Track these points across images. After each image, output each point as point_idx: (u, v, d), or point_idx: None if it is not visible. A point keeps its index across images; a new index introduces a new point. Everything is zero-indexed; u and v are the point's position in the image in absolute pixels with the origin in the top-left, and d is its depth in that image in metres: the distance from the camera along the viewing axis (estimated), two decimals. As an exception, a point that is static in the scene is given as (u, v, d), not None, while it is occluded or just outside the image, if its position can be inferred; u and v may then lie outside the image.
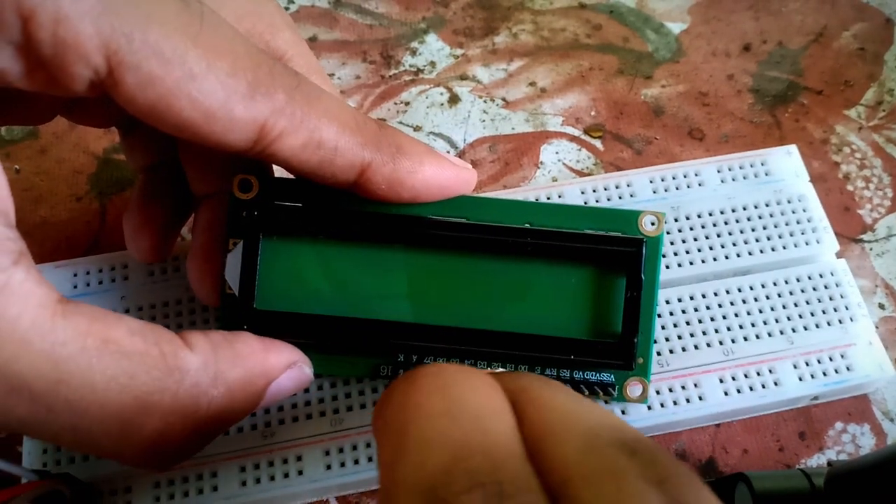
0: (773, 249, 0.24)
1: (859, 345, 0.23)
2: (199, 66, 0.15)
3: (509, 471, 0.12)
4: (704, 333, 0.23)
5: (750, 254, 0.24)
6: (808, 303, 0.23)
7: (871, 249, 0.26)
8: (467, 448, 0.12)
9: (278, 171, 0.20)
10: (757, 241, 0.24)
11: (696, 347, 0.22)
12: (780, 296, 0.23)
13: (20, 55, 0.14)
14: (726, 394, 0.22)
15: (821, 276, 0.23)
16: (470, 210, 0.20)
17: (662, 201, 0.24)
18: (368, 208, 0.19)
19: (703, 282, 0.23)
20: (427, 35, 0.30)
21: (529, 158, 0.28)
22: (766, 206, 0.24)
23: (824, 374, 0.22)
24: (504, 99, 0.29)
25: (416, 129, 0.28)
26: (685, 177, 0.25)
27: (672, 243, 0.24)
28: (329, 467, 0.21)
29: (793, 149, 0.26)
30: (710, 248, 0.24)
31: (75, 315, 0.15)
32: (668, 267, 0.23)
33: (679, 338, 0.23)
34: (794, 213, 0.24)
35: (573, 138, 0.28)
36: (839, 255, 0.24)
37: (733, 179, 0.25)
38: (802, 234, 0.24)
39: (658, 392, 0.22)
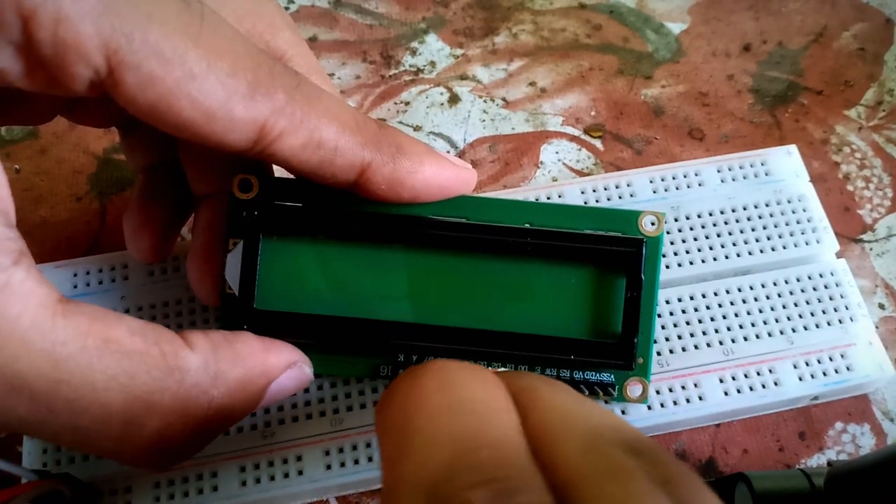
0: (773, 249, 0.24)
1: (859, 345, 0.23)
2: (199, 66, 0.15)
3: (515, 467, 0.12)
4: (704, 333, 0.23)
5: (750, 254, 0.24)
6: (808, 303, 0.23)
7: (871, 249, 0.26)
8: (472, 443, 0.12)
9: (278, 171, 0.20)
10: (757, 241, 0.24)
11: (696, 347, 0.22)
12: (780, 296, 0.23)
13: (20, 55, 0.14)
14: (726, 394, 0.22)
15: (821, 276, 0.23)
16: (470, 210, 0.20)
17: (662, 201, 0.24)
18: (368, 208, 0.19)
19: (703, 282, 0.23)
20: (427, 35, 0.30)
21: (529, 158, 0.28)
22: (766, 206, 0.24)
23: (824, 374, 0.22)
24: (504, 99, 0.29)
25: (416, 129, 0.28)
26: (685, 177, 0.25)
27: (672, 243, 0.24)
28: (329, 467, 0.21)
29: (793, 149, 0.26)
30: (710, 248, 0.24)
31: (76, 315, 0.15)
32: (668, 267, 0.23)
33: (679, 338, 0.23)
34: (794, 213, 0.24)
35: (573, 138, 0.28)
36: (839, 255, 0.24)
37: (733, 179, 0.25)
38: (802, 234, 0.24)
39: (658, 392, 0.22)
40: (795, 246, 0.24)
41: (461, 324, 0.20)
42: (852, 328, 0.23)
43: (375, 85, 0.29)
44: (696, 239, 0.24)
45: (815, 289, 0.23)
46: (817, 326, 0.23)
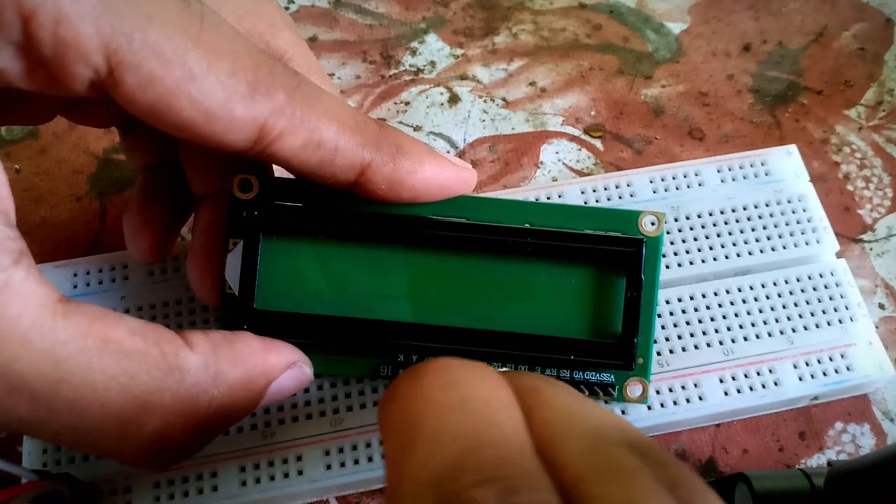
0: (773, 249, 0.24)
1: (859, 345, 0.23)
2: (199, 66, 0.15)
3: (521, 465, 0.12)
4: (704, 333, 0.23)
5: (750, 254, 0.24)
6: (808, 303, 0.23)
7: (871, 249, 0.26)
8: (478, 440, 0.12)
9: (278, 171, 0.20)
10: (757, 241, 0.24)
11: (696, 347, 0.22)
12: (780, 296, 0.23)
13: (20, 55, 0.14)
14: (726, 394, 0.22)
15: (821, 276, 0.23)
16: (470, 210, 0.20)
17: (662, 201, 0.24)
18: (368, 208, 0.19)
19: (703, 282, 0.23)
20: (427, 35, 0.30)
21: (529, 158, 0.28)
22: (766, 206, 0.24)
23: (824, 374, 0.22)
24: (504, 99, 0.29)
25: (416, 129, 0.28)
26: (685, 177, 0.25)
27: (672, 243, 0.24)
28: (329, 467, 0.21)
29: (793, 149, 0.26)
30: (710, 248, 0.24)
31: (76, 314, 0.15)
32: (668, 267, 0.23)
33: (679, 338, 0.23)
34: (794, 213, 0.24)
35: (573, 138, 0.28)
36: (839, 255, 0.24)
37: (733, 179, 0.25)
38: (802, 234, 0.24)
39: (658, 392, 0.22)
40: (795, 246, 0.24)
41: (461, 324, 0.20)
42: (852, 328, 0.23)
43: (375, 85, 0.29)
44: (696, 239, 0.24)
45: (815, 289, 0.23)
46: (817, 326, 0.23)
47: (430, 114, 0.29)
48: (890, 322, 0.25)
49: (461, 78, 0.29)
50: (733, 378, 0.22)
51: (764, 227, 0.24)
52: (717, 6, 0.31)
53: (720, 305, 0.23)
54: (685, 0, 0.31)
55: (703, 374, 0.22)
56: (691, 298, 0.23)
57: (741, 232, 0.24)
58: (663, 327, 0.23)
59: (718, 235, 0.24)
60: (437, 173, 0.19)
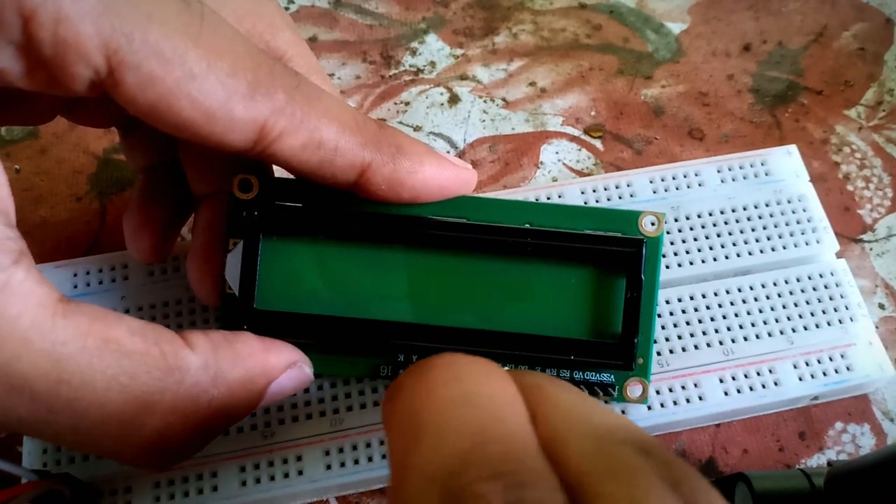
0: (773, 249, 0.24)
1: (859, 345, 0.23)
2: (199, 66, 0.15)
3: (526, 461, 0.12)
4: (704, 333, 0.23)
5: (750, 254, 0.24)
6: (808, 303, 0.23)
7: (871, 249, 0.26)
8: (483, 436, 0.12)
9: (278, 171, 0.20)
10: (757, 241, 0.24)
11: (696, 347, 0.22)
12: (780, 296, 0.23)
13: (21, 55, 0.14)
14: (726, 394, 0.22)
15: (821, 276, 0.23)
16: (470, 210, 0.20)
17: (662, 201, 0.24)
18: (368, 208, 0.19)
19: (703, 282, 0.23)
20: (427, 35, 0.30)
21: (529, 158, 0.28)
22: (766, 206, 0.24)
23: (824, 374, 0.22)
24: (504, 99, 0.29)
25: (416, 129, 0.28)
26: (685, 177, 0.25)
27: (672, 243, 0.24)
28: (329, 467, 0.21)
29: (793, 149, 0.26)
30: (710, 248, 0.24)
31: (76, 314, 0.15)
32: (668, 267, 0.23)
33: (679, 338, 0.23)
34: (794, 213, 0.24)
35: (573, 138, 0.28)
36: (839, 255, 0.24)
37: (733, 179, 0.25)
38: (802, 234, 0.24)
39: (658, 392, 0.22)
40: (795, 246, 0.24)
41: (461, 324, 0.20)
42: (852, 328, 0.23)
43: (375, 85, 0.29)
44: (696, 239, 0.24)
45: (815, 289, 0.23)
46: (817, 326, 0.23)
47: (430, 114, 0.29)
48: (890, 322, 0.25)
49: (461, 78, 0.29)
50: (733, 378, 0.22)
51: (764, 227, 0.24)
52: (717, 6, 0.31)
53: (720, 305, 0.23)
54: (685, 0, 0.31)
55: (703, 374, 0.22)
56: (691, 298, 0.23)
57: (741, 232, 0.24)
58: (663, 327, 0.23)
59: (718, 235, 0.24)
60: (437, 173, 0.19)
